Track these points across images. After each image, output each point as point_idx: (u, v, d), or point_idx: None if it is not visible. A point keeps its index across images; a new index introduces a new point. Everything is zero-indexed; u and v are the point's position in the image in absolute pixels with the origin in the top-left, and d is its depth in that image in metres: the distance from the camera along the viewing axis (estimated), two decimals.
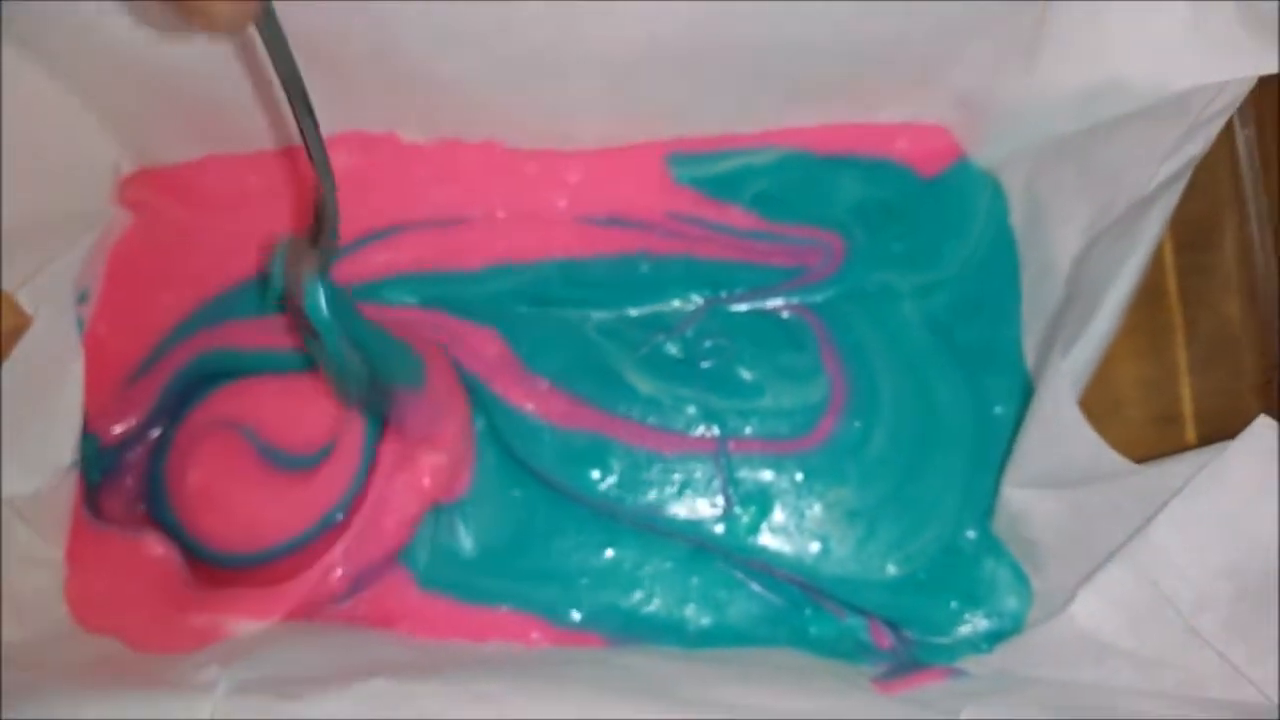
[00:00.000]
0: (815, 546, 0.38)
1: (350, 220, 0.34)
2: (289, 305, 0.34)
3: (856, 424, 0.39)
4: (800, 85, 0.40)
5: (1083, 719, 0.31)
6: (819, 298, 0.41)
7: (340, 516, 0.39)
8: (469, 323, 0.41)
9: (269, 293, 0.35)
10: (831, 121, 0.42)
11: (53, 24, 0.36)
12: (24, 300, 0.38)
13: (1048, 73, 0.36)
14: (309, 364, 0.40)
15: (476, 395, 0.40)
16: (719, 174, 0.42)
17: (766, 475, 0.39)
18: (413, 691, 0.31)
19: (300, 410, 0.41)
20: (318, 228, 0.32)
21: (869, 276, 0.41)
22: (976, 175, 0.41)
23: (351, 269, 0.41)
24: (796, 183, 0.42)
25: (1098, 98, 0.35)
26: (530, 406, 0.40)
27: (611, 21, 0.36)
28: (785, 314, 0.41)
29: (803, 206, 0.42)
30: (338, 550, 0.39)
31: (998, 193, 0.41)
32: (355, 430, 0.40)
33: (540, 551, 0.40)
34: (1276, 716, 0.28)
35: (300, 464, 0.40)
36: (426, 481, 0.39)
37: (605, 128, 0.42)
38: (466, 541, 0.40)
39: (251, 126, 0.42)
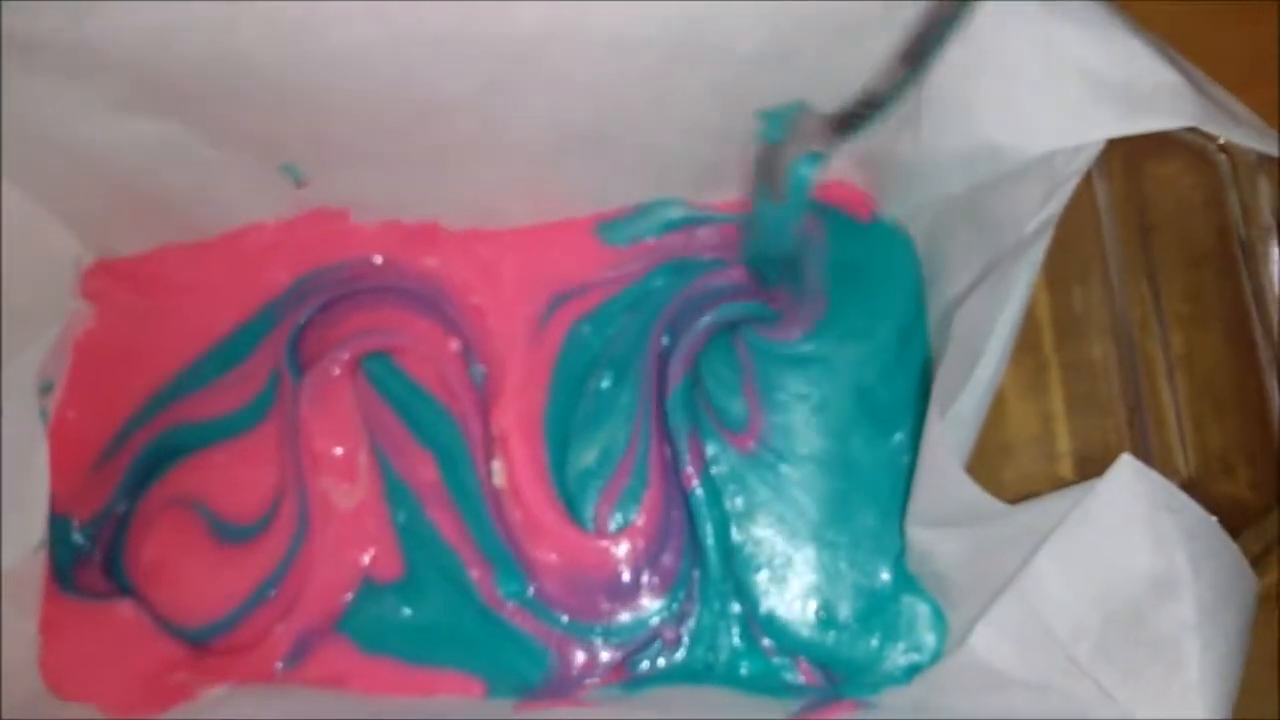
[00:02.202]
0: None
1: None
2: (765, 160, 0.38)
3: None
4: (707, 163, 0.43)
5: None
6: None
7: (272, 592, 0.42)
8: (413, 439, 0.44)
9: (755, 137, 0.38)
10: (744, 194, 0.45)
11: (4, 129, 0.39)
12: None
13: (931, 139, 0.38)
14: (258, 418, 0.44)
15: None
16: (652, 224, 0.45)
17: None
18: None
19: (246, 477, 0.43)
20: (859, 114, 0.33)
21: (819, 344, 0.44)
22: (891, 231, 0.44)
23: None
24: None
25: (975, 161, 0.37)
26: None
27: (526, 115, 0.39)
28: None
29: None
30: (273, 622, 0.41)
31: (910, 249, 0.44)
32: (290, 505, 0.43)
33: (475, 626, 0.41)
34: None
35: (245, 535, 0.43)
36: (363, 560, 0.42)
37: (532, 206, 0.45)
38: (406, 612, 0.42)
39: (202, 217, 0.45)
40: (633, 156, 0.42)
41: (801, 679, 0.40)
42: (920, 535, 0.38)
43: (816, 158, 0.36)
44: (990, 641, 0.34)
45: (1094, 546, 0.31)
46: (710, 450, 0.42)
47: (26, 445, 0.41)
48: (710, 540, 0.41)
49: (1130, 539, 0.31)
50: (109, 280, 0.46)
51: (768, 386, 0.43)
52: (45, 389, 0.43)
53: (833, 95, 0.36)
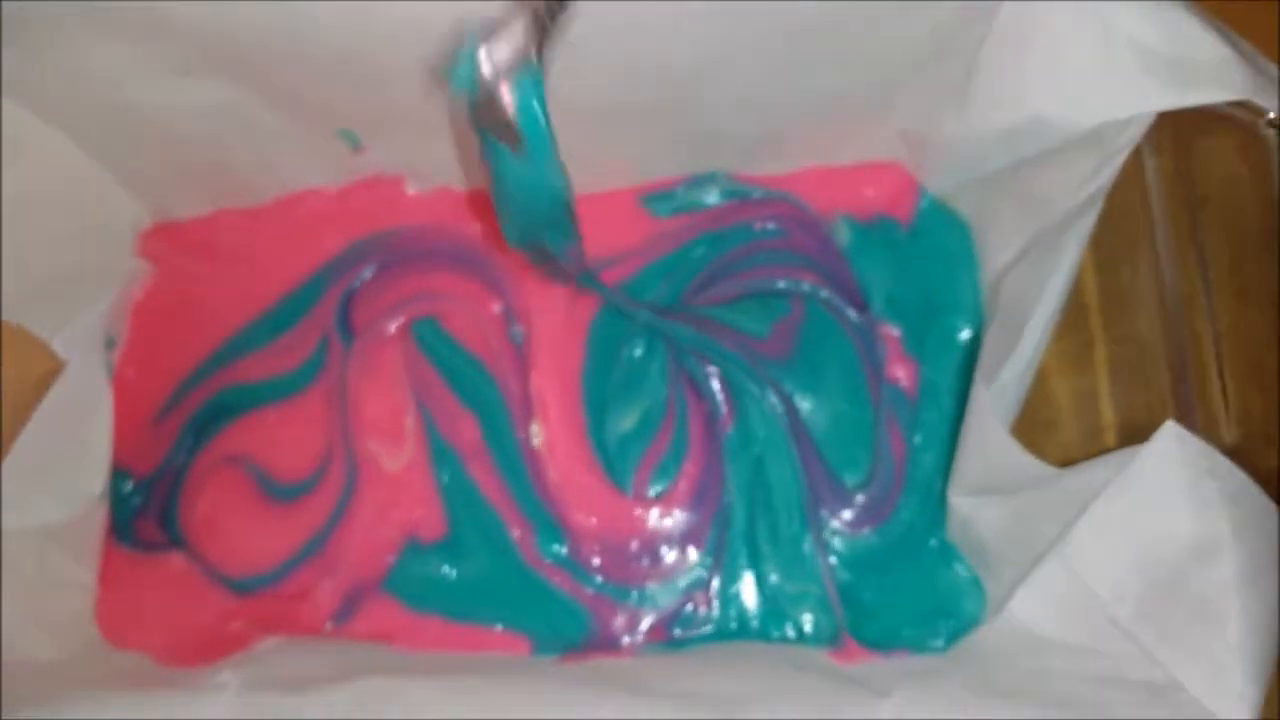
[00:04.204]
0: None
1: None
2: (478, 109, 0.32)
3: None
4: (754, 136, 0.43)
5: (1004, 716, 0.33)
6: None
7: (319, 549, 0.43)
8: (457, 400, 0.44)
9: (452, 91, 0.32)
10: (791, 169, 0.45)
11: (70, 93, 0.40)
12: (57, 347, 0.42)
13: (980, 114, 0.39)
14: (308, 380, 0.44)
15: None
16: (696, 197, 0.46)
17: None
18: (405, 687, 0.34)
19: (296, 437, 0.45)
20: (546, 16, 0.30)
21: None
22: (947, 219, 0.44)
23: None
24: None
25: (1024, 135, 0.38)
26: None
27: (576, 83, 0.40)
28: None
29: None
30: (320, 578, 0.43)
31: (965, 234, 0.44)
32: (338, 466, 0.44)
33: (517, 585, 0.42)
34: (1182, 694, 0.31)
35: (293, 493, 0.44)
36: (408, 520, 0.43)
37: (579, 176, 0.46)
38: (449, 572, 0.43)
39: (258, 182, 0.46)
40: (681, 130, 0.43)
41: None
42: (962, 503, 0.38)
43: (535, 75, 0.32)
44: (1031, 606, 0.34)
45: (1137, 511, 0.32)
46: (737, 384, 0.43)
47: (91, 399, 0.42)
48: (740, 506, 0.42)
49: (1173, 503, 0.31)
50: (167, 242, 0.47)
51: (809, 329, 0.44)
52: (109, 344, 0.44)
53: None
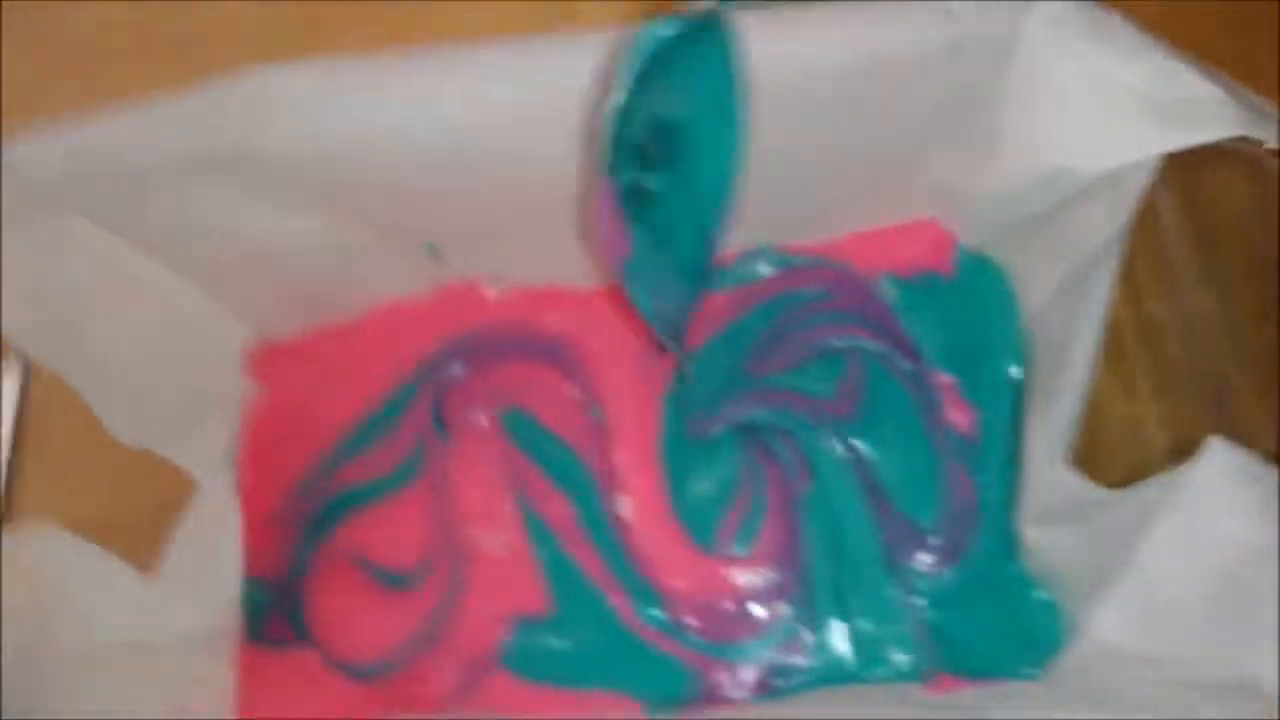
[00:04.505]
0: None
1: None
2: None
3: None
4: (795, 209, 0.47)
5: (1104, 717, 0.35)
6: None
7: (435, 632, 0.46)
8: (549, 483, 0.48)
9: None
10: (833, 236, 0.49)
11: (175, 232, 0.44)
12: (184, 464, 0.46)
13: (1005, 167, 0.42)
14: (411, 476, 0.48)
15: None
16: (748, 271, 0.49)
17: None
18: None
19: (405, 531, 0.48)
20: None
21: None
22: (985, 268, 0.47)
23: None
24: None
25: (1048, 183, 0.41)
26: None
27: None
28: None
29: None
30: (439, 660, 0.46)
31: (1003, 279, 0.47)
32: (445, 554, 0.47)
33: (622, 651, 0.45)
34: (1264, 693, 0.33)
35: (407, 581, 0.47)
36: (515, 599, 0.46)
37: None
38: (558, 643, 0.45)
39: (351, 298, 0.50)
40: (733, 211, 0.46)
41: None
42: (1032, 533, 0.41)
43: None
44: (1111, 622, 0.37)
45: (1195, 523, 0.34)
46: (808, 441, 0.46)
47: (222, 512, 0.46)
48: (821, 560, 0.45)
49: (1226, 512, 0.33)
50: (272, 361, 0.51)
51: (870, 385, 0.46)
52: (228, 459, 0.48)
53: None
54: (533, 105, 0.40)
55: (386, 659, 0.46)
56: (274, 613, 0.48)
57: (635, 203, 0.36)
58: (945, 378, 0.46)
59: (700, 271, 0.40)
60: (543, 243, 0.47)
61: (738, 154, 0.37)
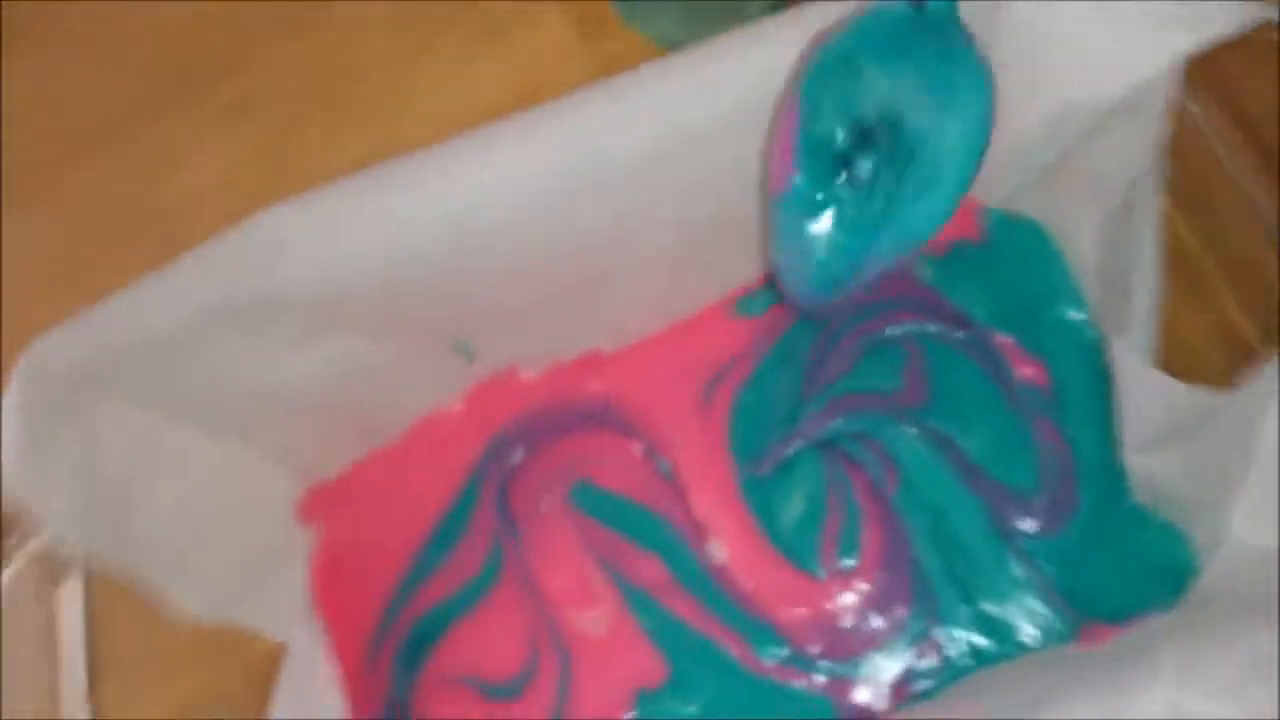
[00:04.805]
0: None
1: None
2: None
3: None
4: None
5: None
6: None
7: None
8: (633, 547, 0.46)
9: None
10: None
11: (201, 392, 0.43)
12: (271, 631, 0.44)
13: (1014, 116, 0.41)
14: (493, 580, 0.46)
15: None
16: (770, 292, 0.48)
17: None
18: None
19: (500, 636, 0.46)
20: None
21: None
22: (1015, 224, 0.46)
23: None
24: None
25: (1059, 123, 0.40)
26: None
27: (656, 227, 0.43)
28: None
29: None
30: None
31: (1038, 229, 0.46)
32: (548, 648, 0.45)
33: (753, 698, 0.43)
34: None
35: (516, 688, 0.45)
36: (631, 675, 0.44)
37: (672, 306, 0.49)
38: (686, 708, 0.43)
39: (389, 419, 0.49)
40: (755, 233, 0.46)
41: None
42: (1140, 462, 0.39)
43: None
44: (1250, 522, 0.35)
45: None
46: (886, 439, 0.44)
47: (313, 668, 0.44)
48: (931, 553, 0.43)
49: None
50: (325, 502, 0.50)
51: (933, 365, 0.45)
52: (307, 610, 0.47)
53: None
54: (533, 181, 0.39)
55: None
56: None
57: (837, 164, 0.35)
58: (1003, 338, 0.45)
59: (867, 260, 0.37)
60: (569, 313, 0.47)
61: (970, 164, 0.36)
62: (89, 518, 0.40)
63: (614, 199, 0.40)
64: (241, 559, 0.46)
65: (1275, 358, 0.33)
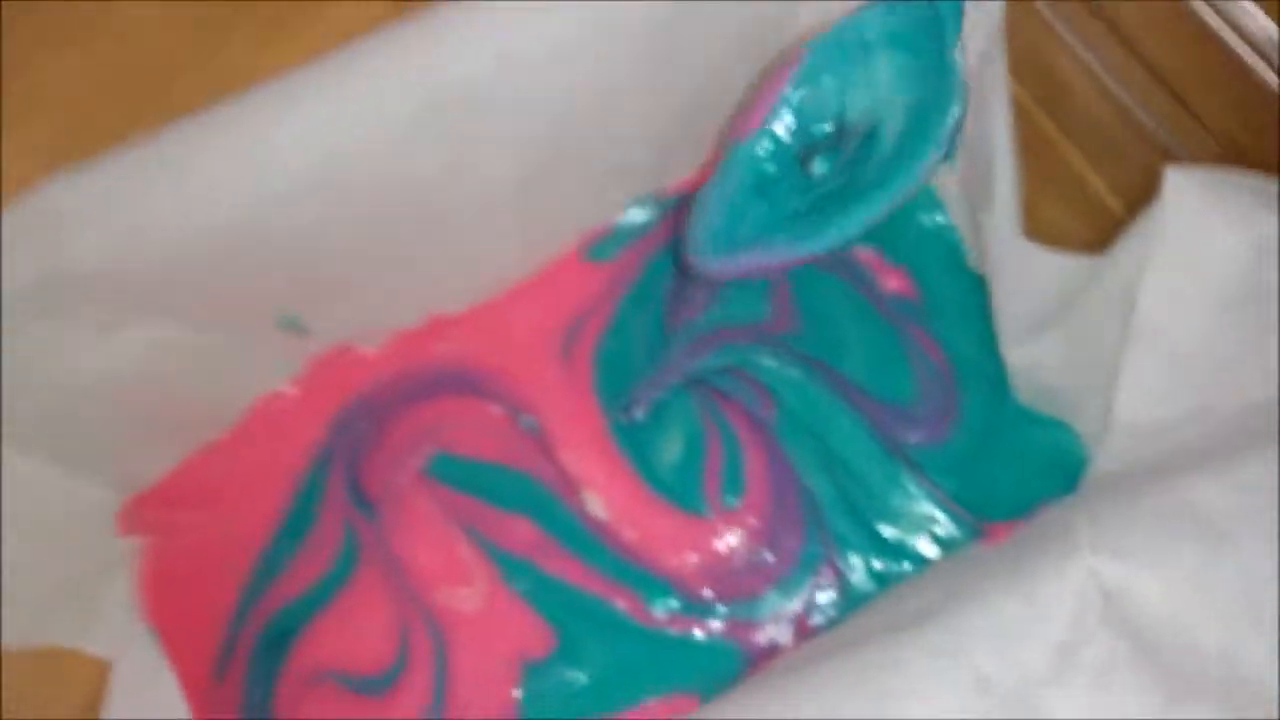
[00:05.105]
0: None
1: None
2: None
3: None
4: (667, 149, 0.44)
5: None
6: None
7: (439, 715, 0.40)
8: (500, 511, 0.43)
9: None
10: (702, 164, 0.46)
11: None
12: (100, 650, 0.39)
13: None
14: (351, 568, 0.42)
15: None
16: (632, 230, 0.45)
17: None
18: None
19: (365, 626, 0.42)
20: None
21: None
22: None
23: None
24: None
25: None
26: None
27: (492, 160, 0.39)
28: None
29: None
30: None
31: None
32: (419, 632, 0.41)
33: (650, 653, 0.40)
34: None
35: (390, 679, 0.41)
36: (513, 647, 0.41)
37: (520, 260, 0.46)
38: (578, 674, 0.40)
39: (215, 412, 0.44)
40: (600, 173, 0.43)
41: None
42: (1018, 355, 0.38)
43: None
44: (1134, 403, 0.34)
45: (1184, 255, 0.32)
46: (759, 369, 0.42)
47: (152, 685, 0.38)
48: (820, 479, 0.41)
49: (1210, 228, 0.32)
50: (145, 512, 0.44)
51: (799, 289, 0.44)
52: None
53: None
54: (346, 123, 0.36)
55: None
56: None
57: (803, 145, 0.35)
58: (865, 252, 0.44)
59: (768, 247, 0.36)
60: (407, 274, 0.43)
61: (901, 191, 0.34)
62: None
63: (440, 132, 0.37)
64: (57, 579, 0.41)
65: (1143, 220, 0.33)
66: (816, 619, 0.39)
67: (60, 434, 0.41)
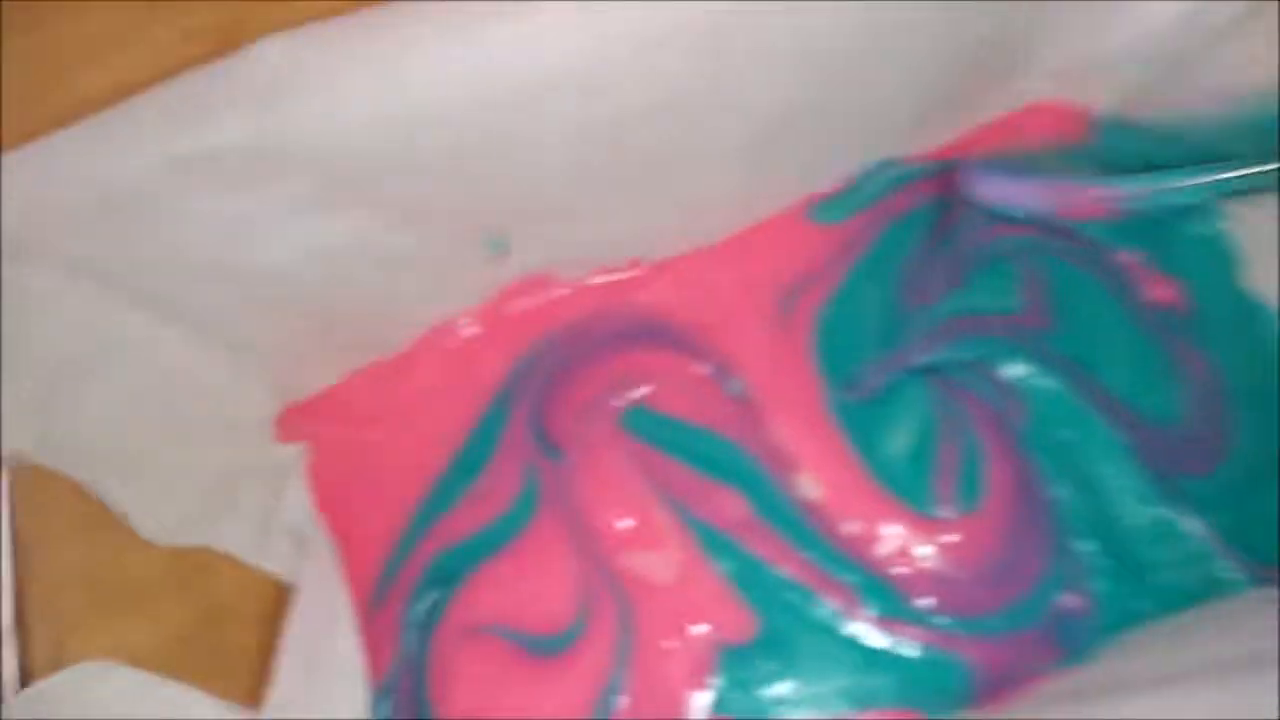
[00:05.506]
0: None
1: None
2: None
3: None
4: (912, 113, 0.40)
5: None
6: None
7: (617, 699, 0.36)
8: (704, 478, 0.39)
9: None
10: (953, 137, 0.42)
11: (157, 256, 0.34)
12: (263, 562, 0.35)
13: (1136, 15, 0.37)
14: (528, 514, 0.38)
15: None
16: (868, 193, 0.42)
17: None
18: None
19: (540, 581, 0.38)
20: None
21: None
22: (1127, 133, 0.41)
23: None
24: None
25: (1191, 18, 0.36)
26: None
27: (735, 100, 0.36)
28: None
29: None
30: None
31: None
32: (603, 596, 0.37)
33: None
34: None
35: (563, 643, 0.37)
36: (709, 628, 0.37)
37: (738, 211, 0.42)
38: (779, 668, 0.36)
39: (393, 328, 0.41)
40: (842, 126, 0.40)
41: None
42: None
43: None
44: None
45: None
46: (1009, 367, 0.39)
47: (329, 608, 0.35)
48: (1069, 494, 0.38)
49: None
50: (309, 422, 0.40)
51: (1052, 282, 0.40)
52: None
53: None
54: (600, 53, 0.32)
55: None
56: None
57: None
58: (1128, 255, 0.40)
59: None
60: (623, 207, 0.39)
61: None
62: (17, 413, 0.32)
63: (686, 59, 0.34)
64: (209, 475, 0.37)
65: None
66: (1060, 647, 0.35)
67: (223, 319, 0.37)
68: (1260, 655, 0.27)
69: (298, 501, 0.37)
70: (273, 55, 0.31)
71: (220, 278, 0.35)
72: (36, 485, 0.34)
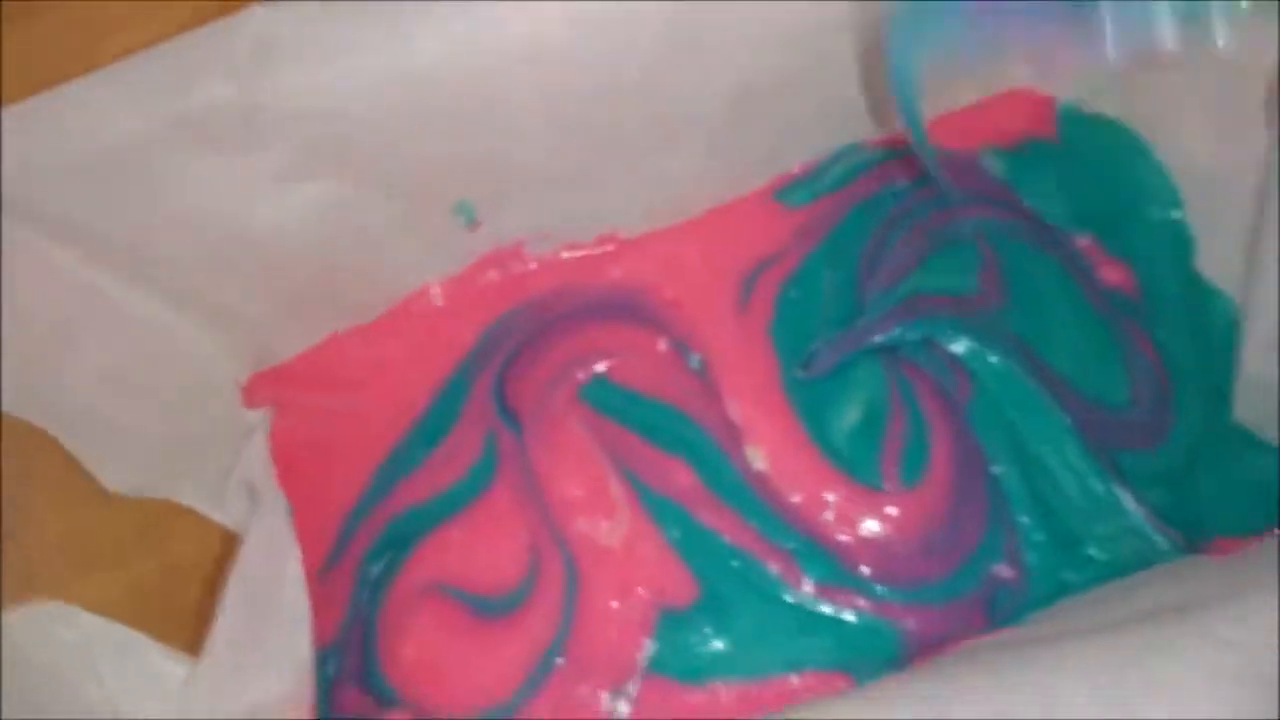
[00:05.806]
0: None
1: None
2: None
3: None
4: (885, 96, 0.41)
5: None
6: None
7: (558, 659, 0.37)
8: (657, 450, 0.40)
9: None
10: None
11: (136, 218, 0.35)
12: (222, 518, 0.37)
13: None
14: (486, 481, 0.39)
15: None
16: (834, 177, 0.42)
17: None
18: None
19: (492, 544, 0.39)
20: None
21: None
22: (1094, 122, 0.42)
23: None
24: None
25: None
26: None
27: (704, 78, 0.37)
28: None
29: None
30: (571, 689, 0.37)
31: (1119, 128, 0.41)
32: (551, 561, 0.38)
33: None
34: None
35: (510, 604, 0.38)
36: (652, 592, 0.38)
37: (707, 191, 0.43)
38: (714, 632, 0.37)
39: (365, 296, 0.42)
40: (808, 109, 0.41)
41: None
42: (1259, 371, 0.35)
43: None
44: None
45: None
46: (959, 345, 0.39)
47: (277, 560, 0.36)
48: (1010, 470, 0.38)
49: None
50: (277, 386, 0.42)
51: (1008, 264, 0.40)
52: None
53: None
54: (572, 28, 0.34)
55: (506, 700, 0.37)
56: (343, 680, 0.38)
57: None
58: (1083, 239, 0.41)
59: None
60: (592, 182, 0.40)
61: None
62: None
63: (642, 44, 0.35)
64: (176, 435, 0.39)
65: None
66: (991, 616, 0.36)
67: (198, 284, 0.38)
68: (1186, 604, 0.27)
69: (256, 457, 0.39)
70: (258, 21, 0.33)
71: (195, 242, 0.37)
72: (19, 449, 0.35)
